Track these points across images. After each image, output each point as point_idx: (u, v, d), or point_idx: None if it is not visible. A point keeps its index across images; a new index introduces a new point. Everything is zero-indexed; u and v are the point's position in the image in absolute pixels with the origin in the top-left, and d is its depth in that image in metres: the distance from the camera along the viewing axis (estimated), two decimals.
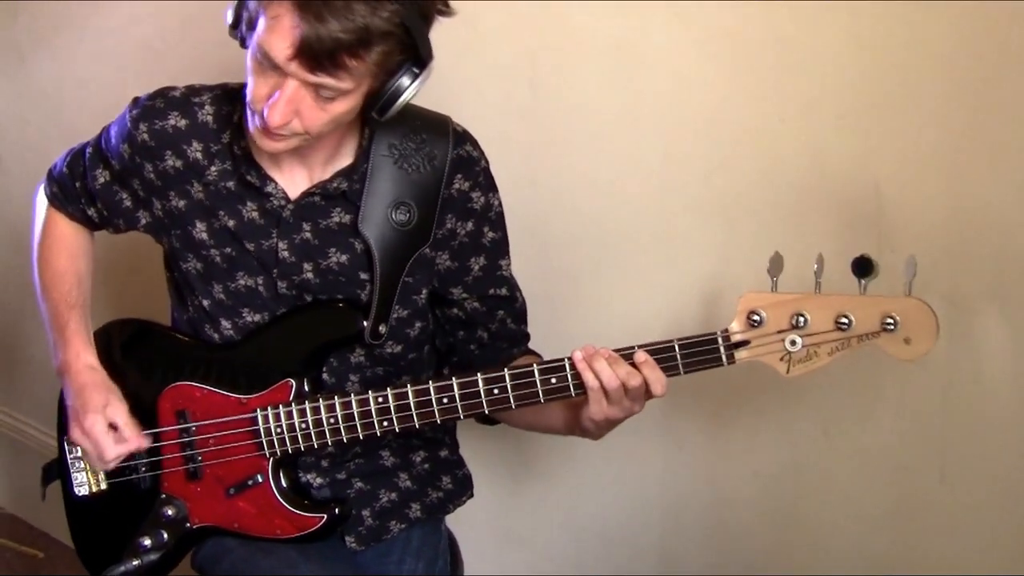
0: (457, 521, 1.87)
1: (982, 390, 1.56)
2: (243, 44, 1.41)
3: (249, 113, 1.43)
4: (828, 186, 1.60)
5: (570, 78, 1.76)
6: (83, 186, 1.68)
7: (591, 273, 1.87)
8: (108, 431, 1.58)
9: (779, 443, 1.77)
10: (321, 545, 1.65)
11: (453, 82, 1.67)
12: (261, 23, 1.33)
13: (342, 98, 1.36)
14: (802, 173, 1.62)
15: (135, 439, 1.59)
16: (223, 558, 1.65)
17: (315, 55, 1.30)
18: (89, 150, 1.67)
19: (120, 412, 1.59)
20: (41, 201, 1.75)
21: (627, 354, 1.41)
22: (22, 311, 2.71)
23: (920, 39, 1.47)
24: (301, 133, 1.40)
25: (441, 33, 1.79)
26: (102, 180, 1.65)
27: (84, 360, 1.63)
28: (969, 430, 1.59)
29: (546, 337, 1.71)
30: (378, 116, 1.41)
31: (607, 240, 1.83)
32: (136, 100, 1.59)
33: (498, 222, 1.61)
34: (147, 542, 1.67)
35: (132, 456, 1.65)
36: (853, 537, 1.75)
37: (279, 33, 1.31)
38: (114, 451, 1.58)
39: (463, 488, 1.81)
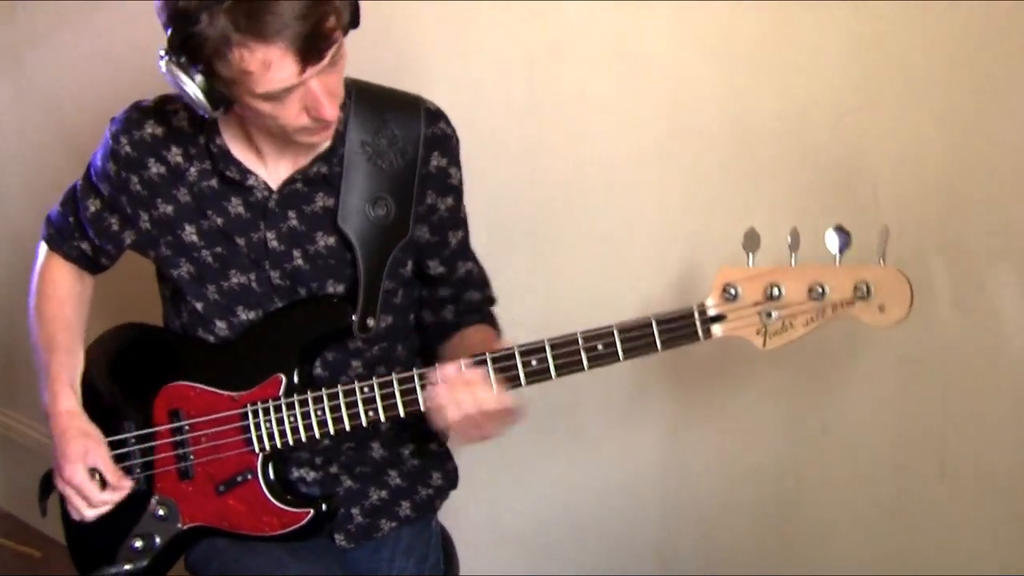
0: (453, 520, 1.86)
1: (982, 387, 1.55)
2: (229, 107, 1.45)
3: (287, 135, 1.48)
4: (826, 187, 1.61)
5: (568, 78, 1.79)
6: (76, 220, 1.72)
7: (589, 271, 1.88)
8: (91, 478, 1.60)
9: (778, 441, 1.77)
10: (312, 544, 1.65)
11: (451, 82, 1.71)
12: (250, 80, 1.36)
13: (341, 49, 1.42)
14: (799, 173, 1.63)
15: (118, 484, 1.62)
16: (214, 559, 1.66)
17: (315, 48, 1.36)
18: (79, 183, 1.72)
19: (100, 457, 1.61)
20: (41, 247, 1.79)
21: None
22: (21, 311, 2.65)
23: (920, 38, 1.48)
24: (339, 104, 1.47)
25: (440, 34, 1.85)
26: (92, 209, 1.69)
27: (63, 405, 1.65)
28: (969, 427, 1.58)
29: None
30: (355, 27, 1.44)
31: (605, 239, 1.84)
32: (112, 119, 1.64)
33: (462, 195, 1.66)
34: (138, 544, 1.67)
35: (127, 457, 1.67)
36: (853, 535, 1.73)
37: (275, 68, 1.35)
38: (98, 497, 1.60)
39: (452, 483, 1.81)
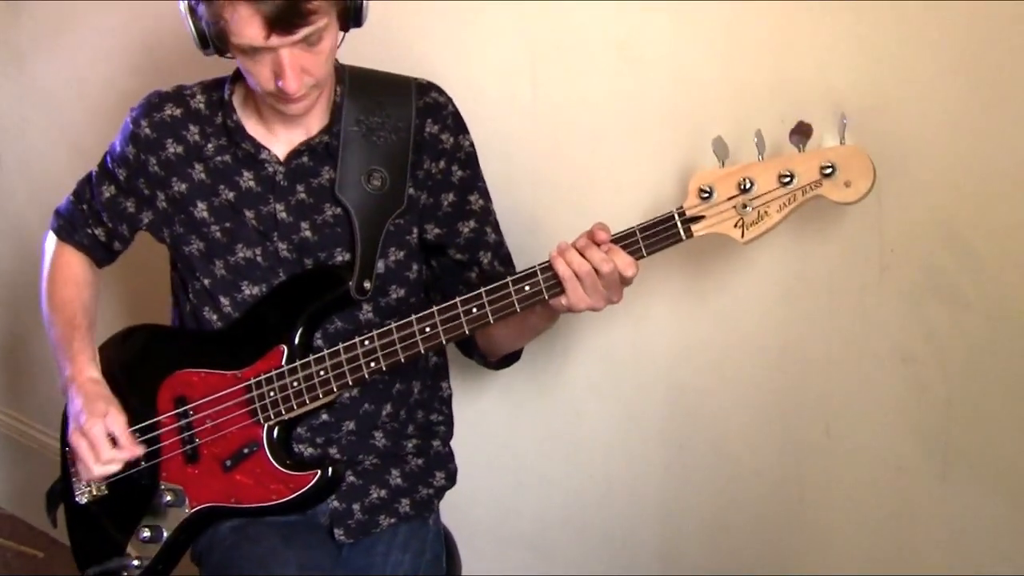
0: (456, 520, 1.85)
1: (985, 389, 1.56)
2: (223, 54, 1.58)
3: (263, 97, 1.58)
4: None
5: (571, 77, 1.79)
6: (90, 207, 1.80)
7: None
8: (106, 437, 1.62)
9: (780, 443, 1.76)
10: (309, 535, 1.66)
11: (454, 81, 1.75)
12: (226, 28, 1.48)
13: (325, 34, 1.51)
14: None
15: (130, 447, 1.63)
16: (217, 548, 1.67)
17: (285, 20, 1.46)
18: (95, 171, 1.81)
19: (119, 422, 1.63)
20: (49, 239, 1.86)
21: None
22: (24, 312, 2.70)
23: (923, 38, 1.48)
24: (314, 84, 1.55)
25: (443, 33, 1.89)
26: (107, 195, 1.77)
27: (87, 374, 1.69)
28: (972, 428, 1.58)
29: (546, 337, 1.74)
30: (357, 26, 1.56)
31: None
32: (132, 108, 1.75)
33: (467, 161, 1.71)
34: (146, 534, 1.68)
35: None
36: (855, 537, 1.71)
37: (244, 24, 1.46)
38: (109, 454, 1.61)
39: (452, 483, 1.82)
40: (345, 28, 1.56)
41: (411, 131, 1.65)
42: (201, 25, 1.52)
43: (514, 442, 2.05)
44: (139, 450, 1.64)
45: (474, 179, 1.72)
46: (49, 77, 2.56)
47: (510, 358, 1.77)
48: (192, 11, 1.52)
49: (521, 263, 1.77)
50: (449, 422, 1.85)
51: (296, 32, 1.47)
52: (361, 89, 1.67)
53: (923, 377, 1.59)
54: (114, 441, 1.62)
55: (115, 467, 1.63)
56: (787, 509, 1.78)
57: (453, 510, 1.84)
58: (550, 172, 1.86)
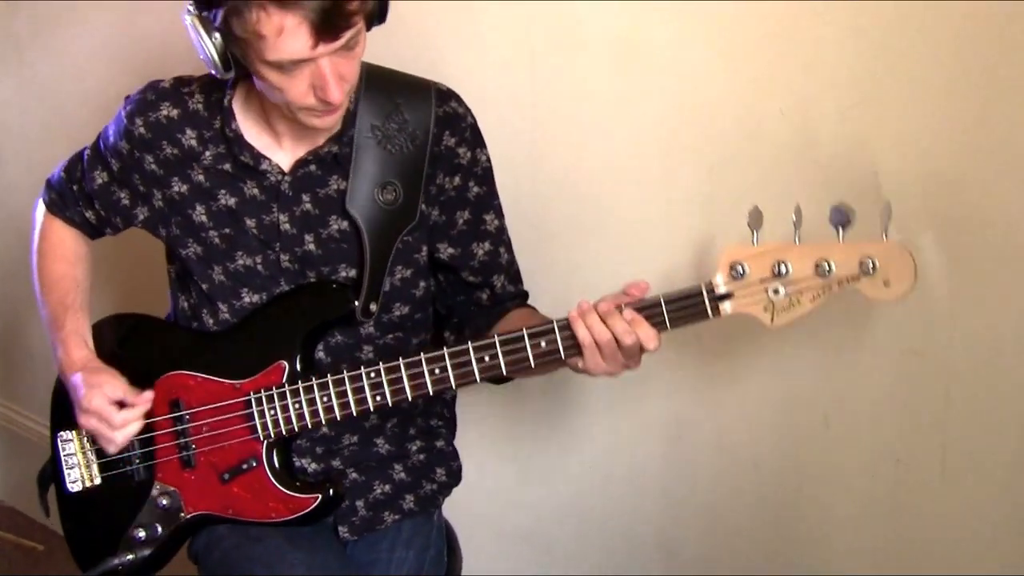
0: (457, 515, 1.86)
1: (983, 382, 1.56)
2: (245, 75, 1.47)
3: (292, 112, 1.47)
4: (829, 181, 1.60)
5: (571, 72, 1.78)
6: (80, 189, 1.71)
7: (593, 264, 1.87)
8: (111, 404, 1.59)
9: (779, 435, 1.78)
10: (311, 533, 1.65)
11: (455, 76, 1.69)
12: (263, 45, 1.36)
13: (360, 36, 1.42)
14: (803, 166, 1.63)
15: (141, 400, 1.61)
16: (216, 547, 1.66)
17: (331, 25, 1.36)
18: (88, 153, 1.71)
19: (118, 386, 1.61)
20: (40, 210, 1.78)
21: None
22: (22, 304, 2.71)
23: (922, 33, 1.48)
24: (348, 90, 1.46)
25: (443, 27, 1.84)
26: (100, 181, 1.68)
27: (77, 354, 1.66)
28: (970, 421, 1.59)
29: None
30: (380, 22, 1.47)
31: (609, 233, 1.84)
32: (128, 97, 1.64)
33: (484, 177, 1.64)
34: (141, 534, 1.67)
35: (126, 448, 1.65)
36: (853, 530, 1.75)
37: (289, 37, 1.35)
38: (120, 417, 1.59)
39: (456, 479, 1.82)
40: (369, 27, 1.46)
41: (428, 141, 1.57)
42: (221, 45, 1.40)
43: (513, 437, 2.05)
44: (149, 397, 1.61)
45: (490, 196, 1.65)
46: (48, 71, 2.52)
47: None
48: (210, 31, 1.39)
49: (522, 260, 1.74)
50: (452, 424, 1.83)
51: (341, 37, 1.38)
52: (379, 89, 1.58)
53: (922, 369, 1.60)
54: (121, 405, 1.60)
55: (135, 425, 1.61)
56: (786, 500, 1.81)
57: (453, 505, 1.84)
58: (550, 166, 1.84)
